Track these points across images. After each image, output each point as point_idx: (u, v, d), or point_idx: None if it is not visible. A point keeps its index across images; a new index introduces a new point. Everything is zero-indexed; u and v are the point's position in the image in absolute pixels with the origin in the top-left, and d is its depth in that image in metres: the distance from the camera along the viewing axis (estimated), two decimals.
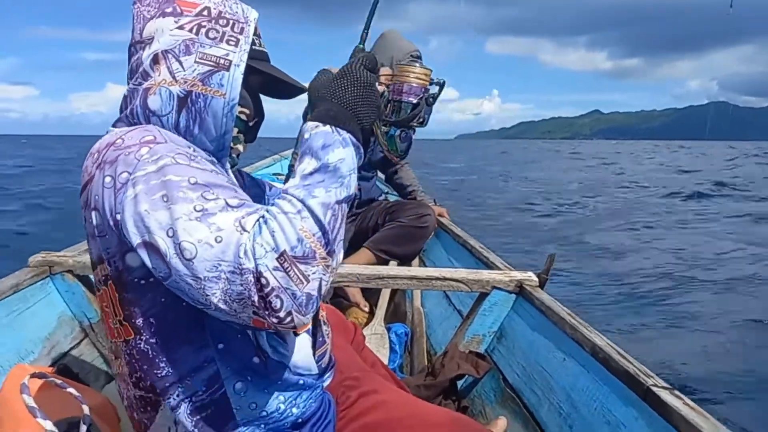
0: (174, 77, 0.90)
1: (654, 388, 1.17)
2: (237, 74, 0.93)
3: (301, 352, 1.00)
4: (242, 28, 0.95)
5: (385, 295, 2.66)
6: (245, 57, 0.95)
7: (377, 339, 2.38)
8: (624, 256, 7.49)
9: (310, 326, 1.04)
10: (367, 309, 2.66)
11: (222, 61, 0.92)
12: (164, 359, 0.86)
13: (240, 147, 1.07)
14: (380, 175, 3.47)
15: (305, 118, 0.95)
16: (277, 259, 0.71)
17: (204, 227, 0.73)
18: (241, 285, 0.71)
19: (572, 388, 1.45)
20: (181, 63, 0.90)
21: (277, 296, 0.71)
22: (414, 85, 0.99)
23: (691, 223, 10.59)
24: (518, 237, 8.62)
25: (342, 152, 0.81)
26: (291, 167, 1.10)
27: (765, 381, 3.62)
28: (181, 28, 0.91)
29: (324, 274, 0.76)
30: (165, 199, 0.75)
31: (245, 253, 0.71)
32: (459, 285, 1.89)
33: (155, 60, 0.91)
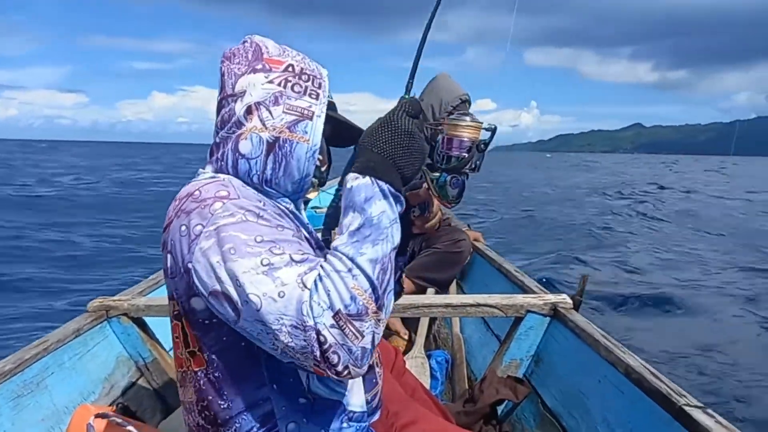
0: (264, 124, 0.99)
1: (686, 408, 1.18)
2: (319, 124, 1.02)
3: (355, 393, 1.05)
4: (320, 84, 1.04)
5: (423, 323, 2.70)
6: (325, 109, 1.05)
7: (418, 367, 2.41)
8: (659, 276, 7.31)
9: None
10: (406, 336, 2.69)
11: (306, 111, 1.01)
12: (226, 393, 0.92)
13: (313, 193, 1.15)
14: None
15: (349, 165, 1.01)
16: (333, 317, 0.76)
17: (269, 281, 0.79)
18: (304, 340, 0.77)
19: (608, 409, 1.46)
20: (270, 112, 0.99)
21: (334, 352, 0.77)
22: (465, 139, 1.06)
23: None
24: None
25: (382, 204, 0.85)
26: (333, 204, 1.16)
27: None
28: (270, 82, 1.00)
29: (376, 327, 0.80)
30: (232, 252, 0.81)
31: (308, 311, 0.77)
32: (493, 310, 1.92)
33: (248, 111, 0.99)
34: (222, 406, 0.92)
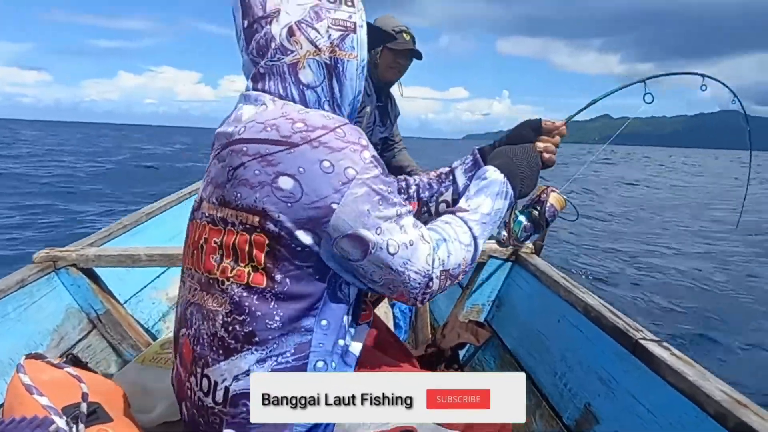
0: (317, 47, 0.92)
1: (642, 341, 1.18)
2: (363, 35, 0.96)
3: (358, 343, 1.02)
4: None
5: None
6: (364, 16, 0.96)
7: (381, 316, 2.41)
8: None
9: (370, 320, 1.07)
10: None
11: (348, 23, 0.94)
12: (280, 313, 0.88)
13: None
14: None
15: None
16: (441, 271, 0.91)
17: (397, 229, 0.87)
18: (420, 283, 0.89)
19: (567, 348, 1.47)
20: (317, 30, 0.91)
21: (429, 294, 0.91)
22: (557, 210, 1.22)
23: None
24: None
25: (503, 203, 1.03)
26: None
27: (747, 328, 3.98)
28: None
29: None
30: (380, 204, 0.86)
31: (431, 262, 0.89)
32: None
33: (291, 32, 0.91)
34: (269, 326, 0.88)
